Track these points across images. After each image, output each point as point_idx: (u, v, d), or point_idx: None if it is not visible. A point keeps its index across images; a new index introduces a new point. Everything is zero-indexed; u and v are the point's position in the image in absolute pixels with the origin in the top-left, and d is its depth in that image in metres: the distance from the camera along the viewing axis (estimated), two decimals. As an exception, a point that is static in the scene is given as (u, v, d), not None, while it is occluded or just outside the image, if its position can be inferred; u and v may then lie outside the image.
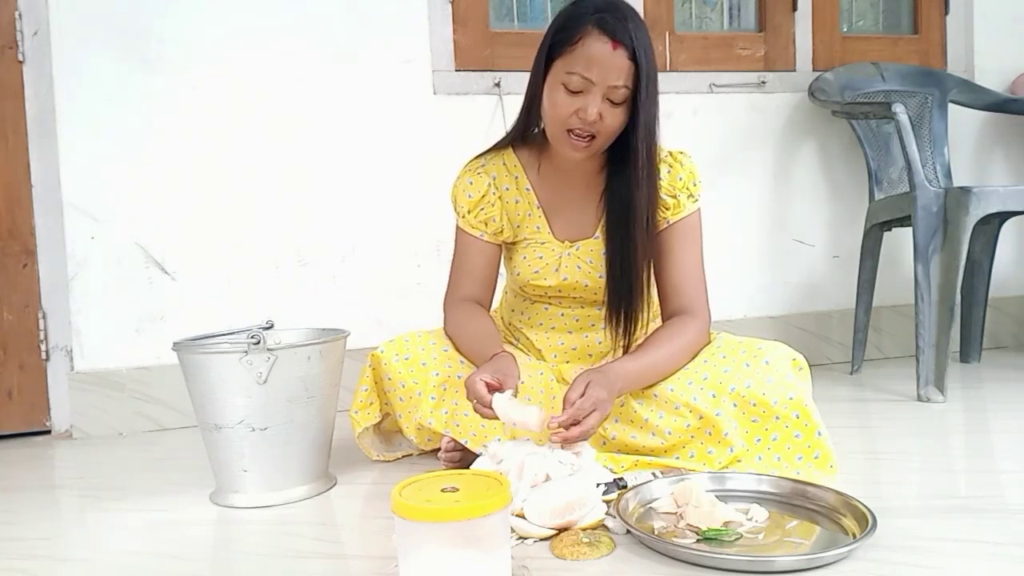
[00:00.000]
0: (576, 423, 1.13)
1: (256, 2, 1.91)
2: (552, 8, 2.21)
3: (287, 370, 1.25)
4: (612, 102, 1.22)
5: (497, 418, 1.16)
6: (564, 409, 1.15)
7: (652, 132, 1.26)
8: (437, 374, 1.36)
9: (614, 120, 1.24)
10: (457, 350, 1.40)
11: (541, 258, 1.41)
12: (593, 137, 1.25)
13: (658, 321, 1.41)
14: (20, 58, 1.81)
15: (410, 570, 0.84)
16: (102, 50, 1.83)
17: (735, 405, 1.23)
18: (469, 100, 2.06)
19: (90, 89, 1.83)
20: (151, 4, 1.85)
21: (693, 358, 1.33)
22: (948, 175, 2.29)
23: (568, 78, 1.22)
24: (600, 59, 1.19)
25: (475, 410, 1.19)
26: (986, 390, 1.95)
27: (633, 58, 1.20)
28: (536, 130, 1.39)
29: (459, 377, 1.36)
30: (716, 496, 1.09)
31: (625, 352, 1.36)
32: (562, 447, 1.19)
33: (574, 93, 1.22)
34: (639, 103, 1.22)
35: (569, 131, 1.25)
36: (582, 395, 1.15)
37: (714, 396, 1.24)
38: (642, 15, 2.13)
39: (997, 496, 1.19)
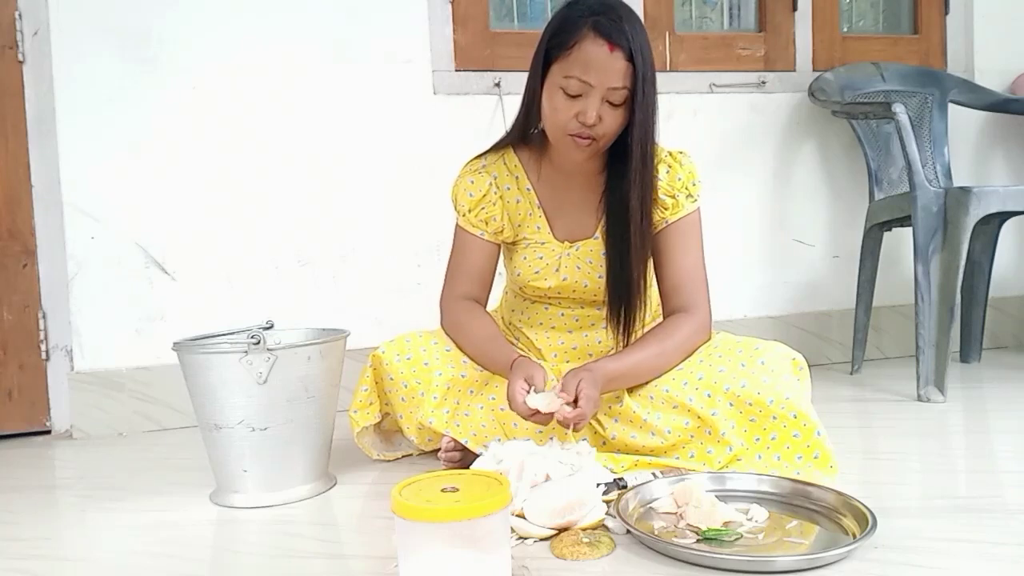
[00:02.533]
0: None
1: (256, 2, 1.91)
2: (552, 8, 2.21)
3: (287, 370, 1.25)
4: (611, 104, 1.23)
5: (546, 420, 1.19)
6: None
7: (648, 132, 1.26)
8: (440, 374, 1.36)
9: (613, 122, 1.24)
10: (460, 349, 1.40)
11: (541, 258, 1.41)
12: (594, 139, 1.25)
13: (659, 321, 1.41)
14: (20, 58, 1.81)
15: (410, 570, 0.84)
16: (102, 50, 1.83)
17: (731, 405, 1.23)
18: (469, 100, 2.06)
19: (90, 89, 1.83)
20: (151, 4, 1.85)
21: (689, 356, 1.33)
22: (948, 175, 2.29)
23: (566, 82, 1.22)
24: (597, 62, 1.19)
25: (525, 418, 1.20)
26: (986, 390, 1.95)
27: (630, 59, 1.20)
28: (535, 130, 1.39)
29: (462, 376, 1.37)
30: (716, 496, 1.09)
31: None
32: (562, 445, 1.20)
33: (573, 97, 1.22)
34: (636, 103, 1.22)
35: (570, 135, 1.25)
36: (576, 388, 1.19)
37: (709, 396, 1.24)
38: (642, 15, 2.18)
39: (997, 496, 1.19)
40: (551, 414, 1.18)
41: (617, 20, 1.20)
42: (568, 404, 1.18)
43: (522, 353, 1.32)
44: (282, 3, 1.93)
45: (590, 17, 1.20)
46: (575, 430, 1.19)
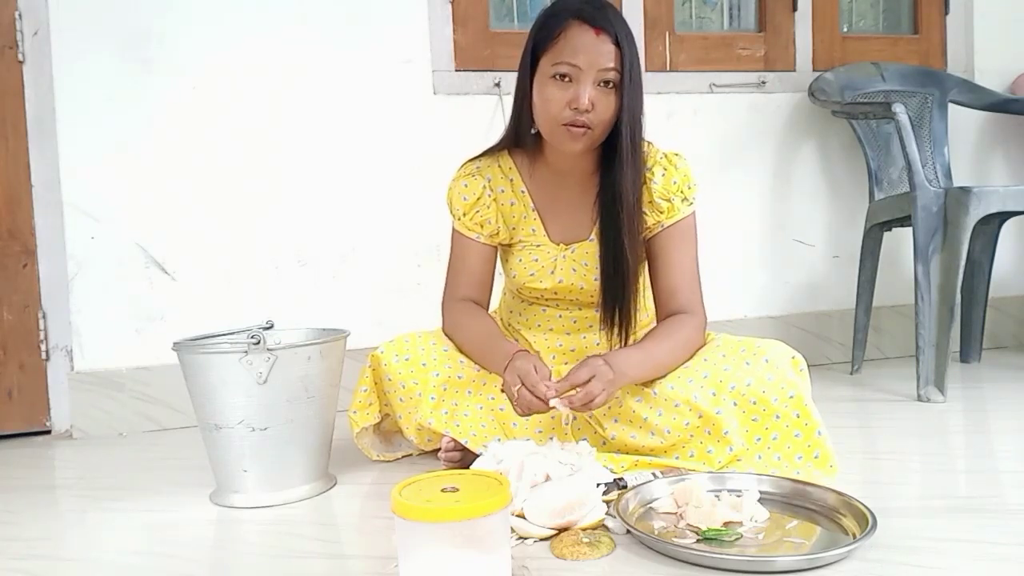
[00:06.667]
0: (575, 388, 1.16)
1: (256, 2, 1.91)
2: (552, 8, 2.21)
3: (287, 370, 1.25)
4: (602, 88, 1.23)
5: (543, 409, 1.18)
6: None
7: (636, 118, 1.27)
8: (437, 374, 1.36)
9: (606, 108, 1.25)
10: (458, 350, 1.40)
11: (536, 260, 1.41)
12: (589, 127, 1.25)
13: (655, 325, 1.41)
14: (20, 58, 1.81)
15: (410, 570, 0.84)
16: (102, 50, 1.83)
17: (735, 404, 1.23)
18: (469, 100, 2.06)
19: (90, 89, 1.83)
20: (151, 4, 1.85)
21: (691, 357, 1.33)
22: (948, 175, 2.29)
23: (556, 69, 1.23)
24: (585, 45, 1.21)
25: (518, 413, 1.20)
26: (986, 390, 1.95)
27: (617, 43, 1.22)
28: (533, 131, 1.38)
29: (459, 377, 1.37)
30: (716, 496, 1.09)
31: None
32: (571, 441, 1.20)
33: (564, 85, 1.23)
34: (624, 88, 1.24)
35: (564, 124, 1.25)
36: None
37: (714, 394, 1.24)
38: (642, 15, 2.18)
39: (997, 496, 1.20)
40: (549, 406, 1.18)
41: (601, 8, 1.24)
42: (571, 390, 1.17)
43: (520, 347, 1.31)
44: (282, 3, 1.93)
45: (573, 8, 1.23)
46: (583, 408, 1.16)
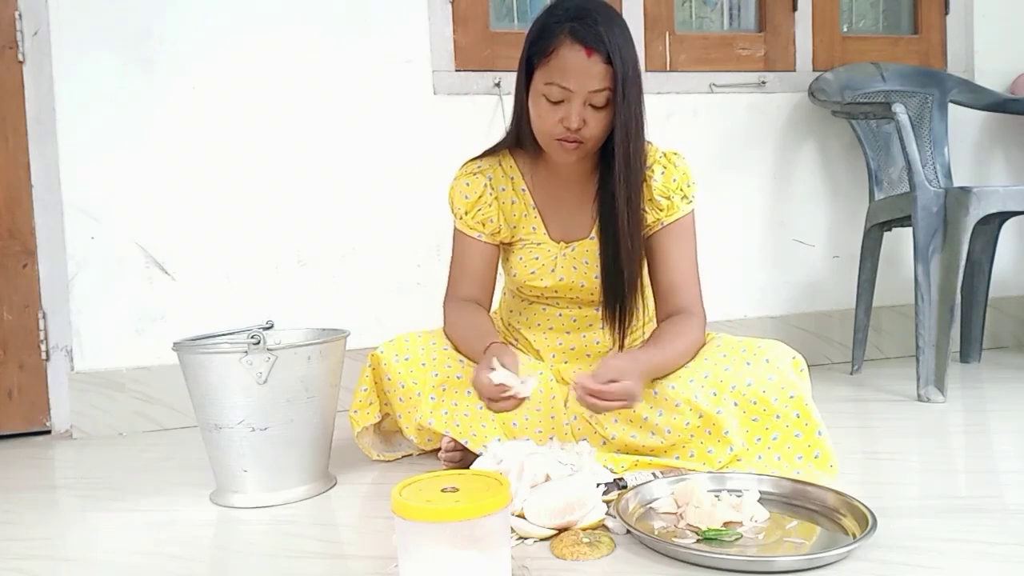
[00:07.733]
0: (596, 393, 1.13)
1: (255, 3, 1.91)
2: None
3: (287, 370, 1.25)
4: (594, 107, 1.23)
5: (509, 408, 1.16)
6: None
7: (631, 134, 1.25)
8: (436, 374, 1.36)
9: (598, 124, 1.24)
10: (456, 350, 1.40)
11: (537, 259, 1.41)
12: (581, 141, 1.25)
13: (655, 323, 1.40)
14: (20, 58, 1.81)
15: (410, 570, 0.84)
16: (102, 50, 1.83)
17: (736, 404, 1.23)
18: (469, 100, 2.06)
19: (90, 89, 1.83)
20: (150, 4, 1.85)
21: (693, 357, 1.33)
22: (948, 175, 2.29)
23: (547, 89, 1.22)
24: (575, 68, 1.20)
25: (488, 407, 1.19)
26: (986, 390, 1.95)
27: (608, 61, 1.20)
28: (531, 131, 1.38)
29: (459, 377, 1.37)
30: (716, 496, 1.09)
31: (622, 351, 1.36)
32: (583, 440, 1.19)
33: (555, 103, 1.23)
34: (617, 105, 1.22)
35: (557, 139, 1.25)
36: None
37: (715, 394, 1.24)
38: (642, 15, 2.18)
39: (997, 496, 1.19)
40: (517, 400, 1.15)
41: (593, 24, 1.19)
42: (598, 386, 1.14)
43: (497, 340, 1.30)
44: (282, 3, 1.93)
45: (567, 23, 1.20)
46: (621, 404, 1.15)
